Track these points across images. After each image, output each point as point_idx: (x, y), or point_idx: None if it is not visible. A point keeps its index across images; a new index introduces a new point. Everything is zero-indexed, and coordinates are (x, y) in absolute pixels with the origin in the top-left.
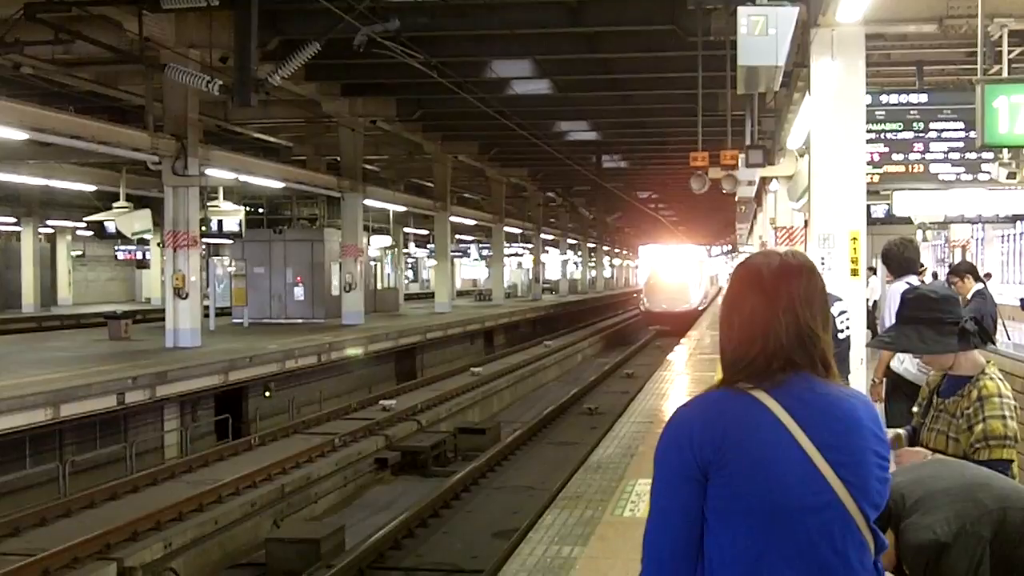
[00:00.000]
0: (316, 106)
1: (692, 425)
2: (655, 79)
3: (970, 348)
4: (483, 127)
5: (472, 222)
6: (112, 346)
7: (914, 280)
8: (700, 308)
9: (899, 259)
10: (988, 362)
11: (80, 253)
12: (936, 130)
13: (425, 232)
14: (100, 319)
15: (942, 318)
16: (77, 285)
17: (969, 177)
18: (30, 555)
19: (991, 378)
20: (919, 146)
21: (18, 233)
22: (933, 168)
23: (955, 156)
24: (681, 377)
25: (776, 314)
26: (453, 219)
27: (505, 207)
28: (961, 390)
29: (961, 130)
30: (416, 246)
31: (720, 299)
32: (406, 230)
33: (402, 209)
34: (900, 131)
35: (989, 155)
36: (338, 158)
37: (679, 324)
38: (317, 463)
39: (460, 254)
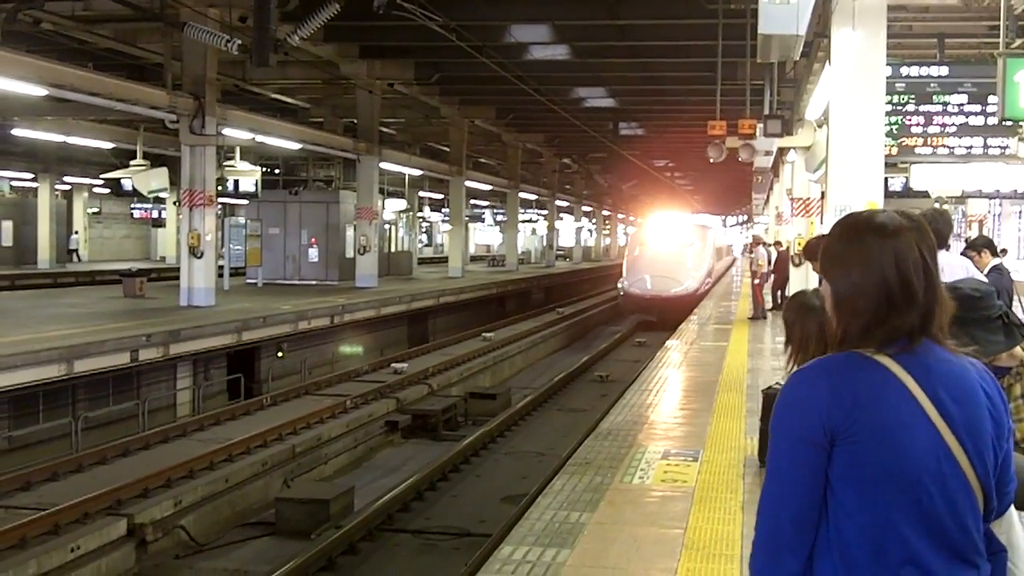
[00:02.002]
0: (334, 68)
1: (819, 390)
2: (674, 47)
3: (1017, 343)
4: (500, 92)
5: (487, 187)
6: (126, 303)
7: (943, 257)
8: (701, 291)
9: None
10: None
11: (96, 210)
12: (956, 103)
13: (440, 196)
14: (115, 276)
15: (989, 315)
16: (93, 242)
17: (987, 152)
18: (41, 510)
19: None
20: (938, 119)
21: (35, 189)
22: (951, 142)
23: (974, 130)
24: (693, 346)
25: (906, 277)
26: (468, 184)
27: (520, 173)
28: (1000, 381)
29: (981, 104)
30: (431, 210)
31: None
32: (421, 194)
33: (417, 173)
34: (920, 104)
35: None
36: (355, 120)
37: (669, 313)
38: (328, 424)
39: (475, 219)
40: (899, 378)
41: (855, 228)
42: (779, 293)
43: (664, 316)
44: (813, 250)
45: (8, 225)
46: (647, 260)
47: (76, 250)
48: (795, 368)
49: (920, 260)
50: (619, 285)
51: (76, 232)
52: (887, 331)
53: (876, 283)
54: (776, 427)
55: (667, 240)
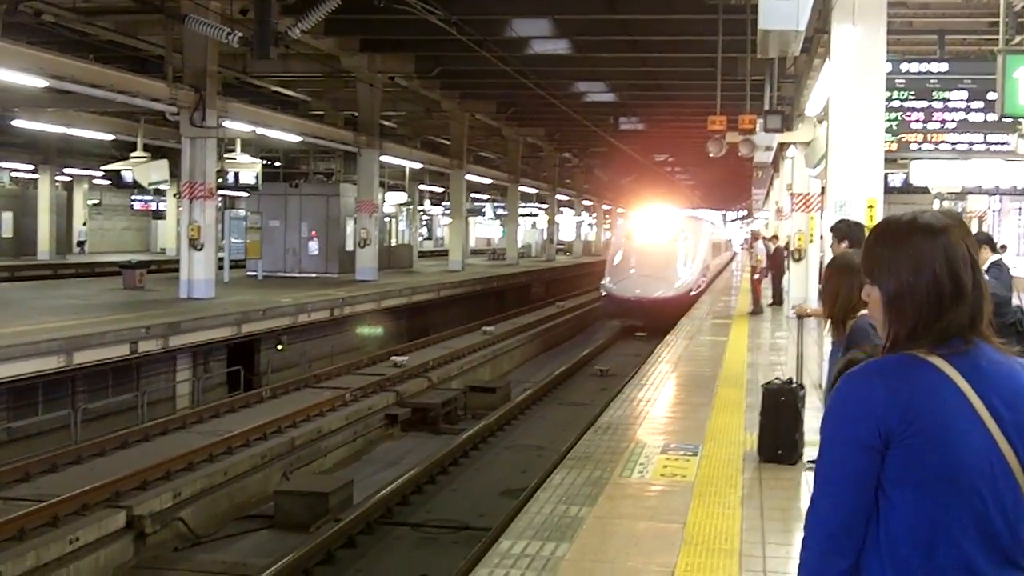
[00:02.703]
0: (335, 61)
1: (874, 393)
2: (674, 41)
3: None
4: (501, 86)
5: (488, 181)
6: (126, 295)
7: None
8: (694, 293)
9: None
10: None
11: (96, 202)
12: (956, 100)
13: (440, 190)
14: (115, 268)
15: (1003, 322)
16: (93, 234)
17: (988, 148)
18: (40, 501)
19: None
20: (938, 115)
21: (35, 180)
22: (951, 138)
23: (974, 126)
24: (693, 341)
25: (957, 274)
26: (469, 177)
27: (521, 167)
28: None
29: (981, 100)
30: (431, 204)
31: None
32: (421, 187)
33: (418, 166)
34: (919, 100)
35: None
36: (355, 113)
37: (657, 318)
38: (327, 417)
39: (475, 213)
40: (952, 380)
41: (901, 229)
42: (779, 288)
43: (652, 321)
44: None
45: (8, 216)
46: (632, 258)
47: (84, 242)
48: (828, 325)
49: (968, 256)
50: (601, 288)
51: (84, 224)
52: (939, 330)
53: (927, 282)
54: (828, 429)
55: (655, 235)
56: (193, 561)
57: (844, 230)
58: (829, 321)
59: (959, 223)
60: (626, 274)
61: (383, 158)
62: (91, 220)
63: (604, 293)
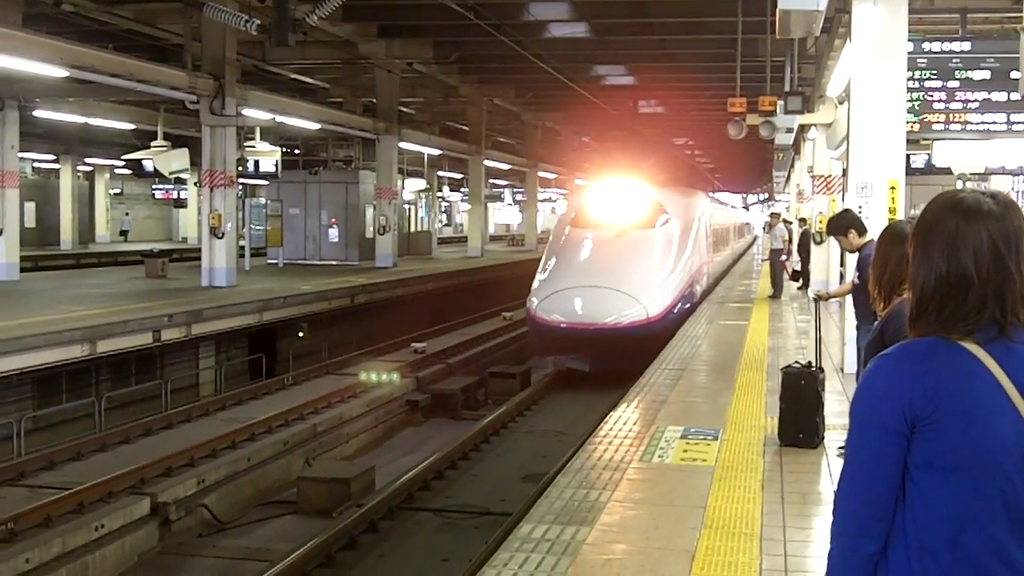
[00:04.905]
0: (353, 47)
1: (901, 377)
2: (694, 23)
3: None
4: (519, 70)
5: (506, 166)
6: (149, 284)
7: None
8: (676, 314)
9: None
10: None
11: (118, 191)
12: (979, 79)
13: (459, 176)
14: (137, 257)
15: None
16: (115, 223)
17: (1009, 128)
18: (65, 488)
19: None
20: (961, 95)
21: (57, 170)
22: (974, 118)
23: (997, 106)
24: (714, 325)
25: (1001, 261)
26: (487, 163)
27: (539, 152)
28: None
29: (1004, 79)
30: (450, 190)
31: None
32: (440, 173)
33: (436, 152)
34: (942, 79)
35: None
36: (374, 100)
37: (613, 357)
38: (348, 404)
39: (494, 199)
40: (985, 365)
41: (942, 210)
42: (806, 271)
43: (604, 362)
44: (835, 226)
45: (31, 206)
46: (577, 258)
47: (128, 231)
48: (876, 291)
49: (1012, 239)
50: (528, 307)
51: (127, 214)
52: (976, 316)
53: (962, 267)
54: (856, 413)
55: (616, 219)
56: (217, 547)
57: (845, 222)
58: (877, 292)
59: (1004, 205)
60: (563, 285)
61: (402, 144)
62: (113, 209)
63: (530, 314)
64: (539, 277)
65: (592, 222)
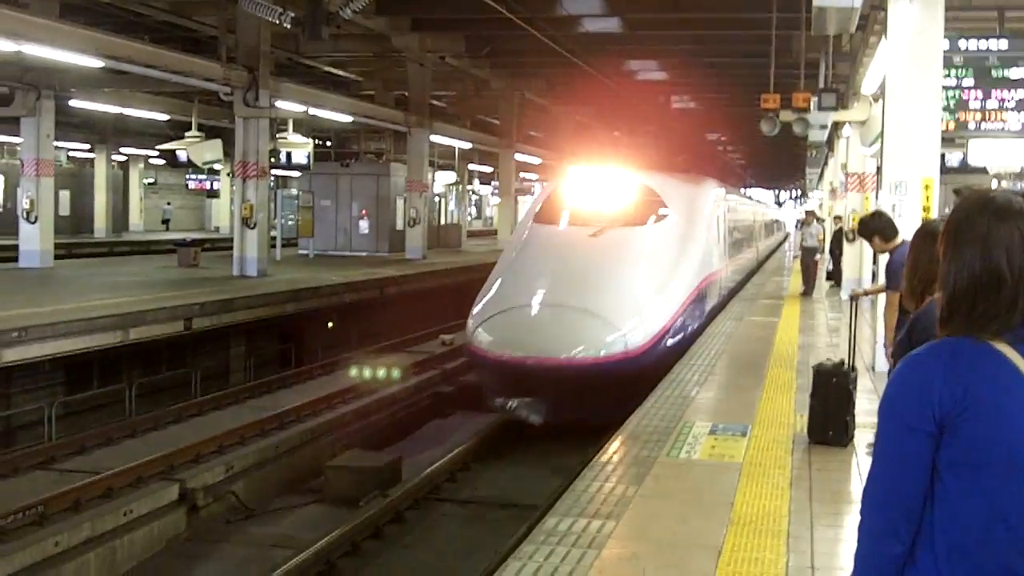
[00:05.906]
0: (386, 40)
1: (932, 376)
2: (728, 19)
3: None
4: (551, 64)
5: (537, 160)
6: (181, 273)
7: None
8: (667, 345)
9: None
10: None
11: (152, 181)
12: (1016, 78)
13: (490, 169)
14: (170, 246)
15: None
16: (148, 212)
17: None
18: (95, 473)
19: None
20: (997, 93)
21: (92, 160)
22: (1011, 117)
23: None
24: (744, 322)
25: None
26: (518, 157)
27: (570, 146)
28: None
29: None
30: (480, 183)
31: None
32: (471, 167)
33: (467, 145)
34: (978, 78)
35: None
36: (406, 93)
37: (579, 401)
38: (376, 394)
39: (524, 192)
40: (1015, 364)
41: (973, 209)
42: (838, 270)
43: (567, 410)
44: (863, 230)
45: (65, 195)
46: (536, 269)
47: (169, 220)
48: (909, 291)
49: None
50: (469, 337)
51: (168, 203)
52: (1007, 316)
53: (994, 266)
54: (885, 413)
55: (593, 217)
56: (244, 534)
57: (871, 228)
58: (909, 292)
59: None
60: (513, 302)
61: (433, 138)
62: (147, 199)
63: (471, 346)
64: (484, 292)
65: (562, 217)
